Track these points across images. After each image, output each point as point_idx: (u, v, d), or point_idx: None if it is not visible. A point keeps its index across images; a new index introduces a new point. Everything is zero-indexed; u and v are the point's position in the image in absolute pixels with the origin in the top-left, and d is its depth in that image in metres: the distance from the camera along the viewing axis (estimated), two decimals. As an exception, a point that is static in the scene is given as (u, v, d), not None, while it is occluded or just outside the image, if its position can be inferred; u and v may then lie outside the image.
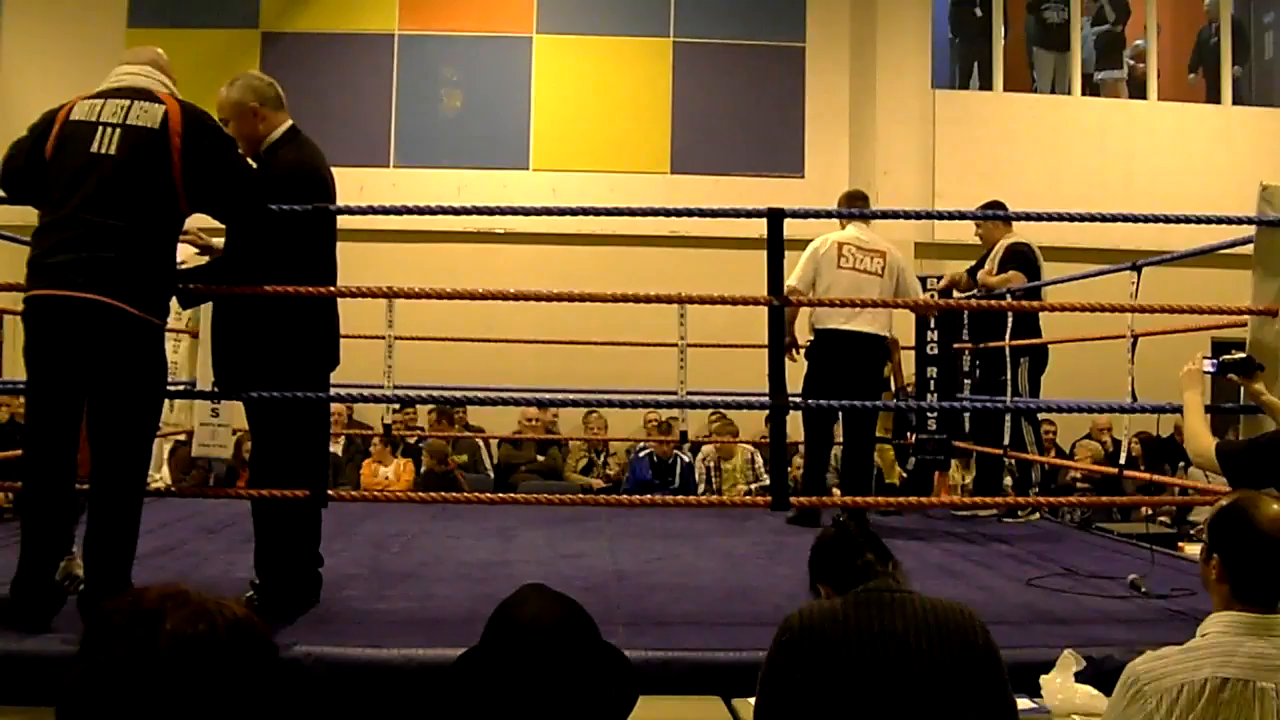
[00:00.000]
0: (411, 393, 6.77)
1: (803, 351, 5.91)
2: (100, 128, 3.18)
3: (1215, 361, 3.41)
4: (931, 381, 6.41)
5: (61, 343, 3.12)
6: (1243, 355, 3.50)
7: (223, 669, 1.13)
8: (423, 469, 7.78)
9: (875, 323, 5.75)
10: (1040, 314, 6.30)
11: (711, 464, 7.98)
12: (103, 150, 3.15)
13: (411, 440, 8.23)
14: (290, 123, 3.65)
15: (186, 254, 3.88)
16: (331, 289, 3.67)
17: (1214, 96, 10.32)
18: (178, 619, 1.14)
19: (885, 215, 4.03)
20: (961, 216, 4.01)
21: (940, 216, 3.88)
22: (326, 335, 3.71)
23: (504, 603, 1.60)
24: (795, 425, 8.35)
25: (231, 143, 3.42)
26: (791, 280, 5.38)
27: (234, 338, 3.63)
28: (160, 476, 6.96)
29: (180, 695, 1.10)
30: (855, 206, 5.87)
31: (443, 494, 5.96)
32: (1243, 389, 3.55)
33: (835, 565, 2.21)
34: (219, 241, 3.78)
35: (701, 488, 7.83)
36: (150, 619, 1.13)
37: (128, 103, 3.22)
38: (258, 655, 1.18)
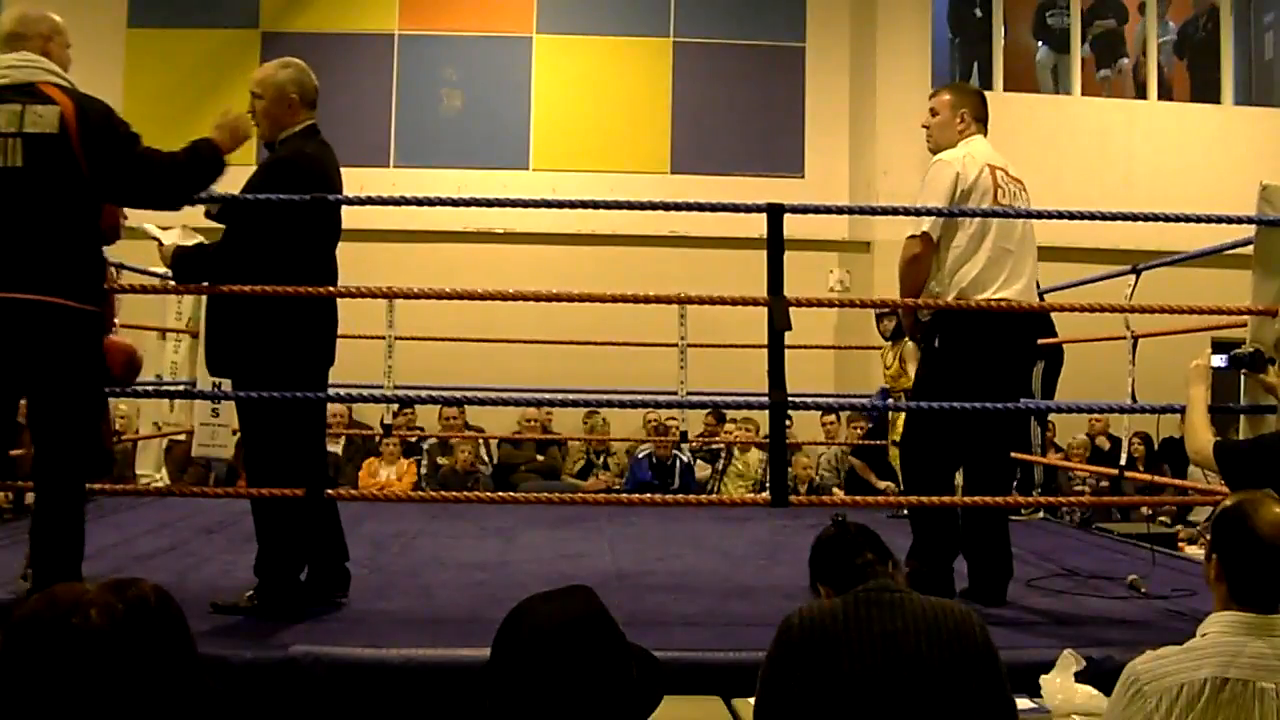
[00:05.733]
0: (411, 393, 6.76)
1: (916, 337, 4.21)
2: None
3: (1226, 356, 3.41)
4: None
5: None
6: (1253, 349, 3.51)
7: (158, 636, 1.14)
8: (454, 463, 7.82)
9: (1032, 287, 4.04)
10: (1053, 318, 6.30)
11: (723, 452, 8.03)
12: (7, 163, 3.06)
13: (412, 440, 8.23)
14: (312, 121, 3.72)
15: (172, 236, 3.89)
16: (332, 289, 3.67)
17: (1200, 95, 10.34)
18: (101, 599, 1.14)
19: (886, 212, 4.01)
20: (962, 214, 4.00)
21: (941, 214, 3.82)
22: (321, 331, 3.71)
23: (518, 605, 1.58)
24: (800, 425, 8.41)
25: (132, 137, 3.27)
26: (927, 228, 3.93)
27: (226, 330, 3.64)
28: (160, 476, 6.96)
29: (127, 669, 1.11)
30: (986, 113, 4.34)
31: (442, 494, 5.96)
32: (1242, 388, 3.55)
33: (835, 564, 2.20)
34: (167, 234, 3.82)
35: (709, 473, 7.90)
36: (76, 607, 1.13)
37: (19, 107, 3.08)
38: (178, 623, 1.19)
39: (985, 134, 4.21)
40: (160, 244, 3.84)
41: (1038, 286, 5.78)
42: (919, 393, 3.99)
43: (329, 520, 3.78)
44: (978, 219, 3.94)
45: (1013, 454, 6.18)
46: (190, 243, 3.82)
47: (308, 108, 3.70)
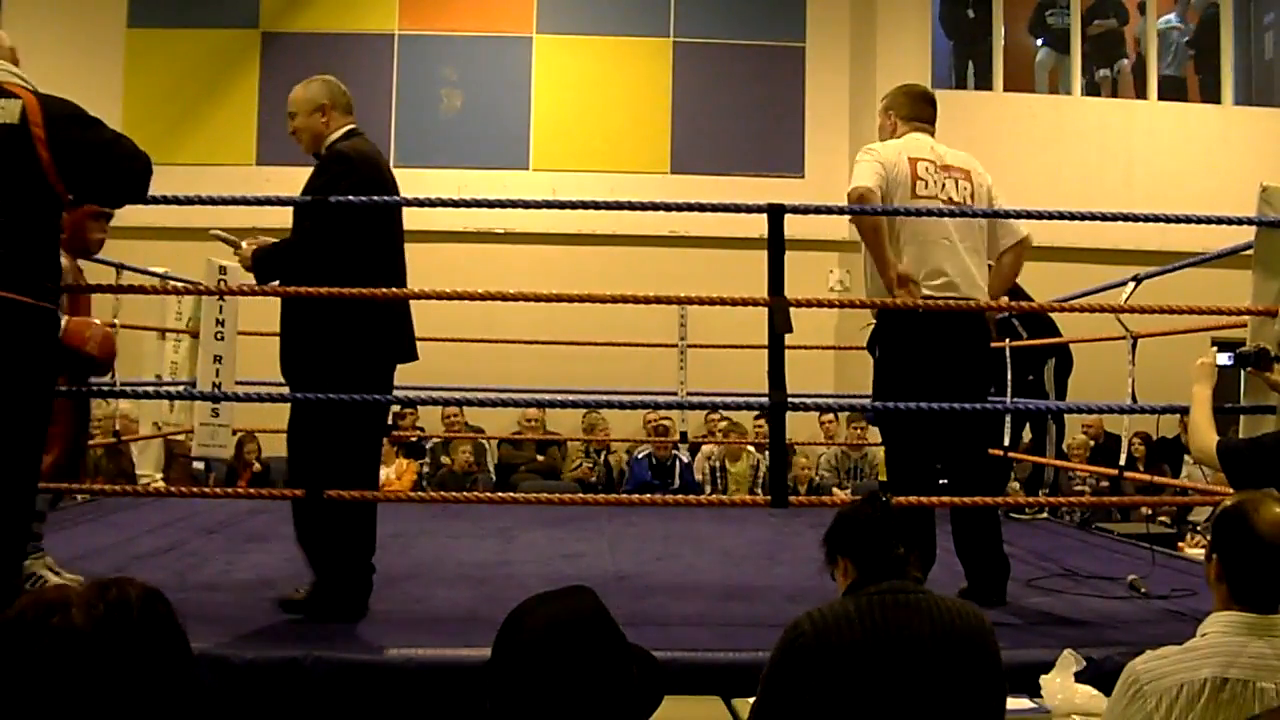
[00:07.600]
0: (411, 393, 6.75)
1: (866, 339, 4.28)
2: None
3: (1231, 354, 3.41)
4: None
5: None
6: (1257, 347, 3.51)
7: (141, 637, 1.14)
8: (454, 464, 7.83)
9: (970, 282, 3.97)
10: (1056, 319, 6.30)
11: (716, 464, 7.99)
12: None
13: (413, 440, 8.24)
14: (352, 125, 3.83)
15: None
16: (332, 290, 3.67)
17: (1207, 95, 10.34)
18: (83, 599, 1.14)
19: (886, 212, 4.01)
20: (961, 214, 3.99)
21: (940, 214, 3.77)
22: (385, 329, 3.74)
23: (519, 605, 1.58)
24: (797, 425, 8.40)
25: (98, 122, 3.17)
26: (864, 180, 3.85)
27: (294, 327, 3.67)
28: (160, 477, 6.97)
29: (108, 670, 1.10)
30: (923, 110, 4.18)
31: (442, 494, 5.96)
32: (1243, 387, 3.55)
33: (867, 546, 2.12)
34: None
35: (708, 489, 7.85)
36: (58, 607, 1.13)
37: None
38: (168, 623, 1.18)
39: (929, 131, 4.15)
40: (238, 248, 3.77)
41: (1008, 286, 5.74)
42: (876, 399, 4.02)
43: (368, 526, 3.79)
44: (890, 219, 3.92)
45: (1011, 454, 6.24)
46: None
47: (344, 113, 3.82)
